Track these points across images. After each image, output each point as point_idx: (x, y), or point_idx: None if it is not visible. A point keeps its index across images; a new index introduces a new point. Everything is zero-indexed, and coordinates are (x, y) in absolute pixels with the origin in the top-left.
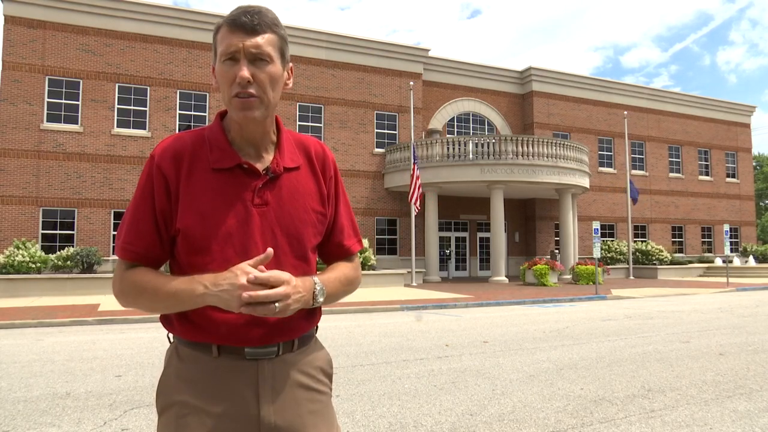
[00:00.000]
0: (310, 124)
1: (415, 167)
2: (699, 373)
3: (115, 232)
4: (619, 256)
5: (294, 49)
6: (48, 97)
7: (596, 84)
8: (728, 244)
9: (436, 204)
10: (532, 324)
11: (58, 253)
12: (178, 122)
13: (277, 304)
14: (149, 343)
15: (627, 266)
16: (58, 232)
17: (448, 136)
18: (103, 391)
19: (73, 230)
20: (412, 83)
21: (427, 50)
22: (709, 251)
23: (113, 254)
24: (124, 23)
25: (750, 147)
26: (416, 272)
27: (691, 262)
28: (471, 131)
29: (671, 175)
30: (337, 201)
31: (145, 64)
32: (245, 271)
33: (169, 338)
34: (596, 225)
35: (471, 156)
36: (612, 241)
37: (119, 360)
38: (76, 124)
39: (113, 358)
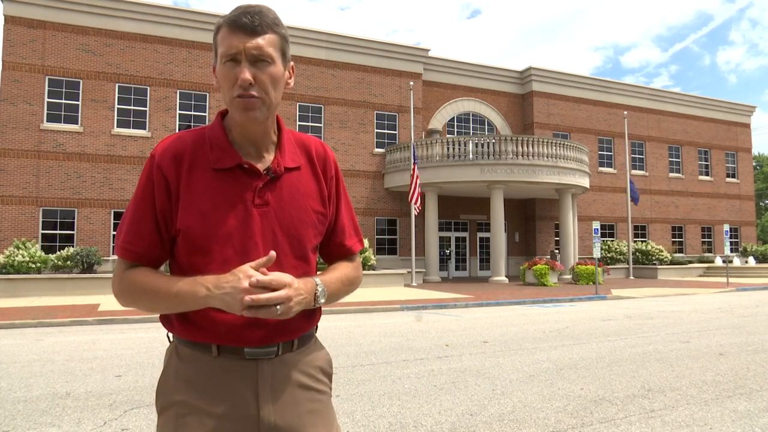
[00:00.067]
0: (310, 124)
1: (415, 167)
2: (699, 373)
3: (115, 232)
4: (619, 256)
5: (294, 49)
6: (48, 97)
7: (596, 84)
8: (728, 244)
9: (436, 204)
10: (532, 324)
11: (58, 253)
12: (178, 122)
13: (278, 307)
14: (149, 343)
15: (627, 266)
16: (58, 232)
17: (448, 136)
18: (103, 391)
19: (73, 230)
20: (412, 83)
21: (427, 50)
22: (709, 251)
23: (113, 254)
24: (124, 23)
25: (750, 147)
26: (416, 272)
27: (691, 262)
28: (471, 131)
29: (671, 175)
30: (338, 201)
31: (145, 64)
32: (247, 274)
33: (168, 338)
34: (596, 225)
35: (471, 156)
36: (612, 241)
37: (119, 360)
38: (76, 124)
39: (113, 358)
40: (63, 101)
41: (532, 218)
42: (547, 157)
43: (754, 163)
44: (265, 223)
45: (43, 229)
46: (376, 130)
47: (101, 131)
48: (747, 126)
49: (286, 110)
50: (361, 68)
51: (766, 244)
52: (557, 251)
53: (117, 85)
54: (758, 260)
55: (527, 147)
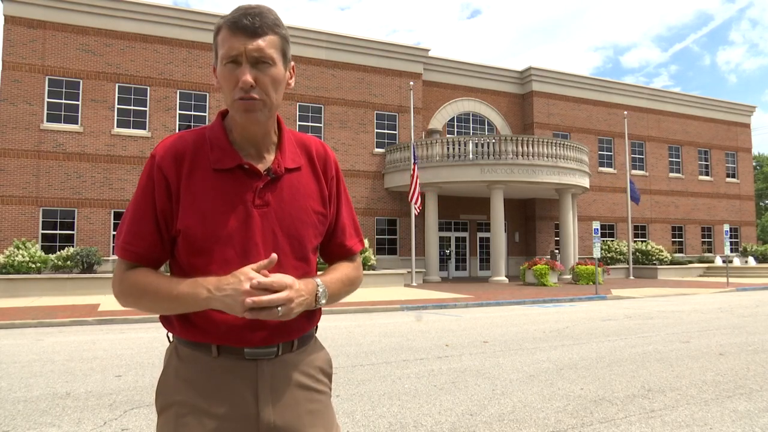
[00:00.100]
0: (310, 124)
1: (415, 167)
2: (699, 373)
3: (116, 232)
4: (619, 256)
5: (294, 49)
6: (48, 97)
7: (596, 84)
8: (728, 244)
9: (436, 204)
10: (532, 324)
11: (58, 253)
12: (178, 122)
13: (280, 308)
14: (149, 343)
15: (627, 266)
16: (58, 232)
17: (448, 136)
18: (103, 391)
19: (73, 230)
20: (412, 83)
21: (427, 50)
22: (709, 251)
23: (113, 254)
24: (124, 23)
25: (750, 147)
26: (416, 272)
27: (691, 262)
28: (471, 131)
29: (671, 175)
30: (339, 201)
31: (145, 64)
32: (248, 276)
33: (168, 338)
34: (596, 225)
35: (471, 156)
36: (612, 241)
37: (119, 360)
38: (76, 124)
39: (113, 358)
40: (63, 101)
41: (532, 218)
42: (547, 157)
43: (754, 163)
44: (265, 224)
45: (43, 229)
46: (376, 130)
47: (101, 131)
48: (747, 126)
49: (286, 110)
50: (361, 68)
51: (766, 244)
52: (557, 251)
53: (117, 85)
54: (758, 260)
55: (527, 147)
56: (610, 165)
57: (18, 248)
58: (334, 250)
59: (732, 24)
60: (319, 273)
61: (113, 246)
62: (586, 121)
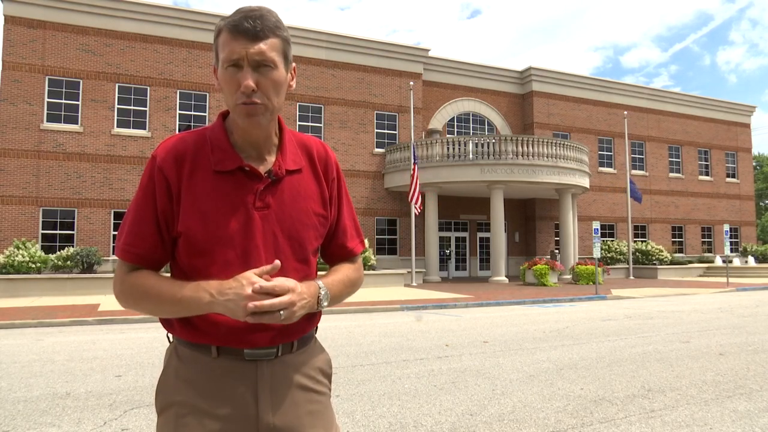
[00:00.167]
0: (310, 124)
1: (415, 167)
2: (699, 373)
3: (115, 233)
4: (619, 256)
5: (294, 49)
6: (48, 97)
7: (596, 84)
8: (728, 244)
9: (436, 204)
10: (532, 324)
11: (58, 253)
12: (178, 122)
13: (282, 312)
14: (149, 343)
15: (627, 266)
16: (58, 232)
17: (448, 136)
18: (103, 391)
19: (73, 230)
20: (412, 83)
21: (427, 50)
22: (709, 251)
23: (113, 254)
24: (124, 23)
25: (750, 147)
26: (416, 272)
27: (691, 262)
28: (471, 131)
29: (671, 175)
30: (340, 202)
31: (145, 64)
32: (250, 280)
33: (168, 338)
34: (596, 225)
35: (471, 156)
36: (612, 241)
37: (119, 360)
38: (76, 124)
39: (113, 358)
40: (63, 101)
41: (532, 218)
42: (547, 157)
43: (754, 163)
44: (266, 226)
45: (43, 229)
46: (376, 130)
47: (101, 131)
48: (747, 126)
49: (286, 110)
50: (361, 68)
51: (766, 244)
52: (557, 251)
53: (117, 85)
54: (758, 260)
55: (527, 147)
56: (610, 165)
57: (18, 248)
58: (335, 252)
59: (732, 24)
60: (319, 274)
61: (113, 246)
62: (586, 121)
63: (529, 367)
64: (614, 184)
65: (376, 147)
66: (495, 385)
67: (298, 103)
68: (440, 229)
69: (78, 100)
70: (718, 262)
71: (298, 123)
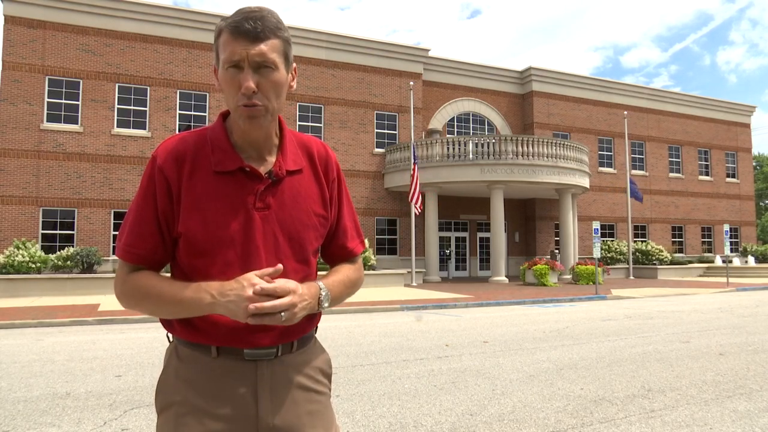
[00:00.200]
0: (310, 124)
1: (415, 167)
2: (699, 373)
3: (115, 233)
4: (619, 256)
5: (294, 49)
6: (48, 97)
7: (596, 84)
8: (728, 244)
9: (436, 204)
10: (532, 324)
11: (58, 253)
12: (178, 122)
13: (283, 314)
14: (149, 343)
15: (627, 266)
16: (58, 232)
17: (448, 136)
18: (103, 391)
19: (73, 230)
20: (412, 83)
21: (427, 50)
22: (709, 251)
23: (113, 254)
24: (124, 23)
25: (750, 147)
26: (416, 272)
27: (691, 262)
28: (471, 131)
29: (671, 175)
30: (340, 203)
31: (145, 64)
32: (251, 282)
33: (168, 338)
34: (596, 225)
35: (471, 156)
36: (612, 241)
37: (119, 360)
38: (76, 124)
39: (113, 358)
40: (63, 101)
41: (532, 218)
42: (547, 157)
43: (754, 163)
44: (266, 227)
45: (43, 229)
46: (376, 130)
47: (101, 131)
48: (747, 126)
49: (286, 110)
50: (361, 68)
51: (766, 244)
52: (557, 251)
53: (117, 85)
54: (758, 260)
55: (527, 147)
56: (610, 165)
57: (18, 248)
58: (335, 252)
59: (732, 24)
60: (320, 275)
61: (113, 246)
62: (586, 121)
63: (529, 367)
64: (614, 184)
65: (376, 147)
66: (495, 385)
67: (298, 103)
68: (440, 229)
69: (78, 100)
70: (718, 262)
71: (298, 123)
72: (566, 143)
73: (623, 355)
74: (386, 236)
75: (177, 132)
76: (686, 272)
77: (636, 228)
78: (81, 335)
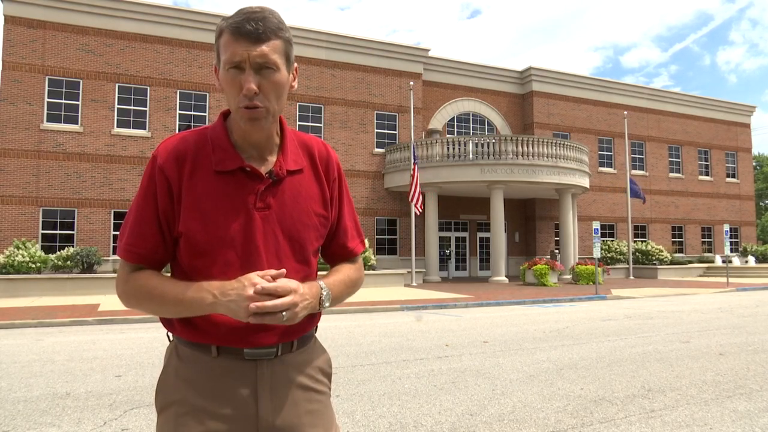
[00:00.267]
0: (310, 124)
1: (415, 167)
2: (699, 373)
3: (116, 233)
4: (619, 256)
5: (294, 49)
6: (48, 97)
7: (596, 84)
8: (728, 244)
9: (436, 204)
10: (532, 324)
11: (58, 253)
12: (178, 122)
13: (284, 313)
14: (149, 343)
15: (627, 266)
16: (58, 232)
17: (448, 136)
18: (103, 391)
19: (73, 230)
20: (412, 83)
21: (427, 50)
22: (709, 251)
23: (113, 254)
24: (124, 23)
25: (750, 147)
26: (416, 272)
27: (691, 262)
28: (471, 131)
29: (671, 175)
30: (341, 203)
31: (145, 64)
32: (252, 281)
33: (168, 337)
34: (596, 225)
35: (471, 156)
36: (612, 241)
37: (119, 360)
38: (76, 124)
39: (113, 358)
40: (63, 101)
41: (532, 218)
42: (547, 157)
43: (754, 163)
44: (266, 227)
45: (43, 229)
46: (376, 130)
47: (101, 131)
48: (747, 126)
49: (286, 110)
50: (361, 68)
51: (766, 244)
52: (557, 251)
53: (117, 85)
54: (758, 260)
55: (527, 147)
56: (610, 165)
57: (18, 248)
58: (335, 252)
59: (732, 24)
60: (320, 274)
61: (113, 246)
62: (586, 121)
63: (529, 367)
64: (614, 184)
65: (376, 147)
66: (495, 385)
67: (298, 103)
68: (440, 229)
69: (78, 100)
70: (718, 262)
71: (298, 123)
72: (566, 143)
73: (623, 355)
74: (386, 236)
75: (177, 132)
76: (686, 272)
77: (636, 228)
78: (81, 335)
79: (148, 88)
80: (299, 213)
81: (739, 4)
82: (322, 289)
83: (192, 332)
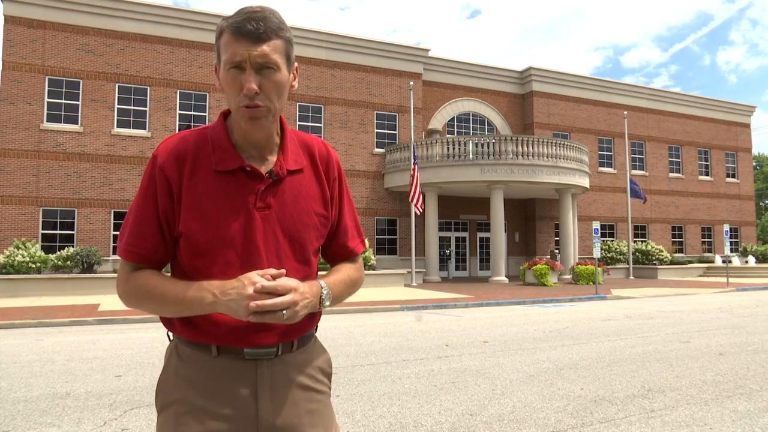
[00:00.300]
0: (310, 124)
1: (416, 167)
2: (699, 373)
3: (116, 233)
4: (619, 256)
5: (294, 49)
6: (48, 97)
7: (596, 84)
8: (728, 244)
9: (436, 204)
10: (532, 324)
11: (58, 253)
12: (178, 122)
13: (285, 312)
14: (149, 343)
15: (627, 266)
16: (58, 232)
17: (448, 136)
18: (103, 391)
19: (73, 230)
20: (412, 83)
21: (427, 50)
22: (709, 251)
23: (113, 254)
24: (124, 23)
25: (750, 147)
26: (416, 272)
27: (691, 262)
28: (471, 131)
29: (671, 175)
30: (341, 202)
31: (145, 64)
32: (252, 280)
33: (168, 336)
34: (596, 225)
35: (471, 156)
36: (612, 241)
37: (119, 360)
38: (76, 124)
39: (113, 358)
40: (63, 101)
41: (532, 218)
42: (547, 157)
43: (754, 163)
44: (266, 227)
45: (43, 229)
46: (376, 130)
47: (101, 131)
48: (747, 126)
49: (286, 110)
50: (361, 68)
51: (766, 244)
52: (557, 251)
53: (117, 85)
54: (758, 260)
55: (527, 147)
56: (610, 165)
57: (18, 248)
58: (336, 251)
59: (732, 24)
60: (320, 274)
61: (113, 246)
62: (586, 121)
63: (529, 367)
64: (614, 184)
65: (376, 147)
66: (495, 385)
67: (298, 103)
68: (440, 229)
69: (78, 100)
70: (718, 262)
71: (298, 123)
72: (566, 143)
73: (623, 355)
74: (386, 236)
75: (177, 132)
76: (686, 272)
77: (636, 228)
78: (81, 335)
79: (148, 88)
80: (299, 213)
81: (739, 4)
82: (322, 288)
83: (192, 332)
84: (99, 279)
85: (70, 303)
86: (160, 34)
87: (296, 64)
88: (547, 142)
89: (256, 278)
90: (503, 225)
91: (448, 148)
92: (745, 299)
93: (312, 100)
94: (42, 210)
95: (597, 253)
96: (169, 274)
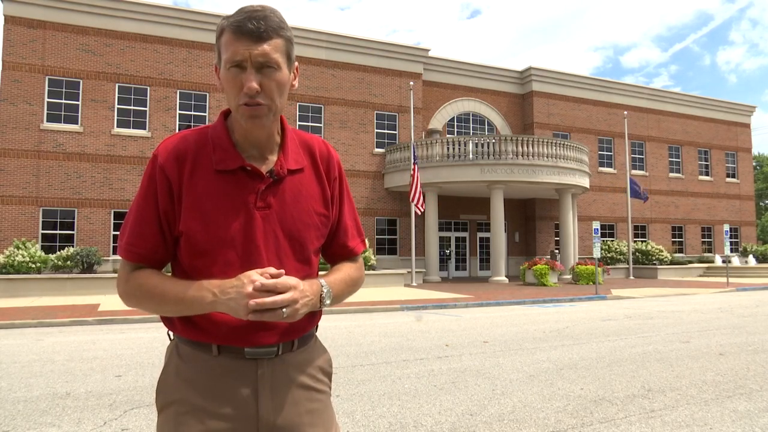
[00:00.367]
0: (310, 124)
1: (416, 167)
2: (699, 373)
3: (116, 232)
4: (619, 256)
5: (294, 48)
6: (48, 97)
7: (596, 84)
8: (728, 244)
9: (436, 204)
10: (532, 324)
11: (58, 253)
12: (178, 122)
13: (285, 310)
14: (149, 343)
15: (627, 266)
16: (58, 232)
17: (448, 136)
18: (103, 391)
19: (73, 230)
20: (412, 83)
21: (427, 50)
22: (709, 251)
23: (113, 254)
24: (124, 23)
25: (750, 147)
26: (416, 272)
27: (691, 262)
28: (471, 131)
29: (671, 175)
30: (342, 202)
31: (145, 64)
32: (251, 279)
33: (169, 336)
34: (596, 225)
35: (471, 156)
36: (612, 241)
37: (119, 360)
38: (76, 124)
39: (113, 358)
40: (63, 101)
41: (532, 218)
42: (547, 157)
43: (754, 163)
44: (267, 226)
45: (43, 229)
46: (376, 130)
47: (101, 131)
48: (747, 126)
49: (286, 110)
50: (361, 68)
51: (766, 244)
52: (557, 251)
53: (117, 85)
54: (758, 260)
55: (527, 147)
56: (610, 165)
57: (18, 248)
58: (336, 251)
59: (732, 24)
60: (321, 273)
61: (113, 246)
62: (586, 121)
63: (529, 367)
64: (614, 184)
65: (376, 147)
66: (495, 385)
67: (298, 103)
68: (440, 229)
69: (78, 100)
70: (718, 262)
71: (298, 123)
72: (566, 143)
73: (623, 355)
74: (386, 236)
75: (177, 132)
76: (686, 272)
77: (636, 228)
78: (81, 335)
79: (148, 88)
80: (300, 212)
81: (739, 4)
82: (322, 286)
83: (193, 331)
84: (99, 279)
85: (70, 303)
86: (160, 34)
87: (296, 63)
88: (547, 142)
89: (256, 276)
90: (503, 225)
91: (448, 148)
92: (745, 299)
93: (312, 100)
94: (42, 210)
95: (597, 253)
96: (170, 274)
